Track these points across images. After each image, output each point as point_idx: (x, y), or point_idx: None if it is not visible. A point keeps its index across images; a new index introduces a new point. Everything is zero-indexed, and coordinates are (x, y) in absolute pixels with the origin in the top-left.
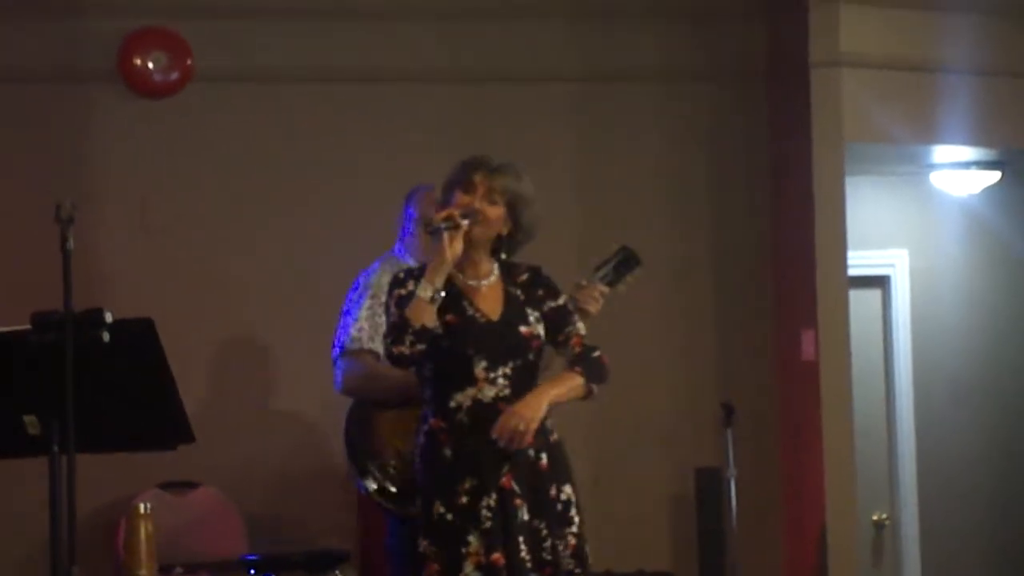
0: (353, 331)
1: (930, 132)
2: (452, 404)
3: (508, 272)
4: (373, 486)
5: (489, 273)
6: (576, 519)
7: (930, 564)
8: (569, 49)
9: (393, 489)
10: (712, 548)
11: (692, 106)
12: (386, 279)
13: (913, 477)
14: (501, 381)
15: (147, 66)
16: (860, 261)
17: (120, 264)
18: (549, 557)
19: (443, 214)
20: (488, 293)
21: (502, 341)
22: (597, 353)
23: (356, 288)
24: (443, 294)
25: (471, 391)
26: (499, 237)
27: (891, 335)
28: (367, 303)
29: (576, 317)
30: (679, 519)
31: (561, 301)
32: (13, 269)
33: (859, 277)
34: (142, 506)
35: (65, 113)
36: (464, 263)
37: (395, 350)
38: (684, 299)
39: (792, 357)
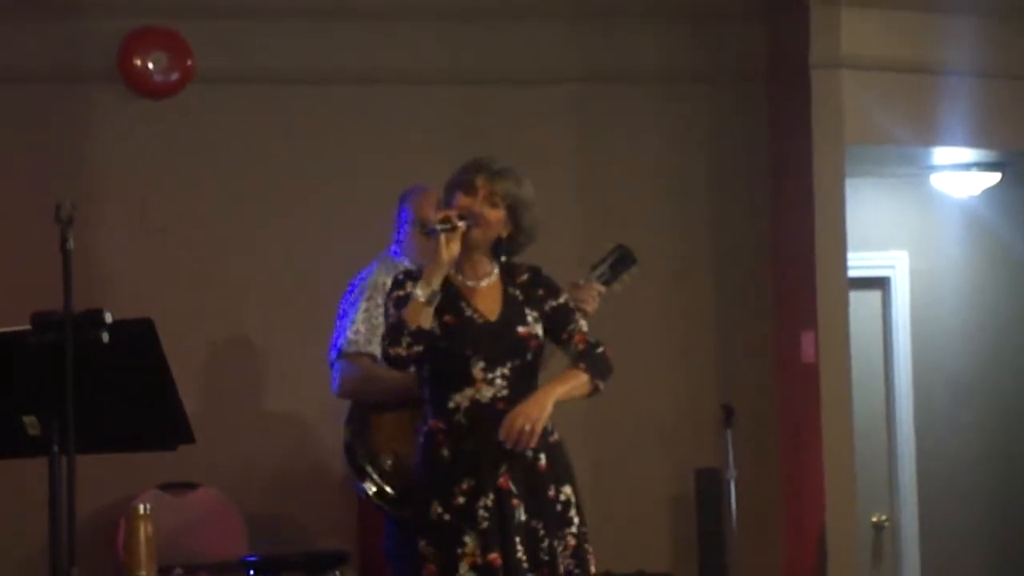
0: (350, 334)
1: (930, 134)
2: (450, 405)
3: (508, 273)
4: (372, 489)
5: (489, 274)
6: (576, 520)
7: (929, 565)
8: (569, 50)
9: (392, 492)
10: (712, 549)
11: (692, 107)
12: (382, 280)
13: (913, 478)
14: (499, 382)
15: (147, 66)
16: (860, 263)
17: (120, 264)
18: (546, 558)
19: (440, 216)
20: (487, 294)
21: (500, 342)
22: (601, 349)
23: (352, 291)
24: (440, 296)
25: (469, 392)
26: (499, 239)
27: (891, 336)
28: (363, 305)
29: (578, 315)
30: (679, 520)
31: (562, 300)
32: (13, 269)
33: (859, 278)
34: (142, 507)
35: (65, 113)
36: (464, 264)
37: (392, 351)
38: (684, 299)
39: (792, 358)
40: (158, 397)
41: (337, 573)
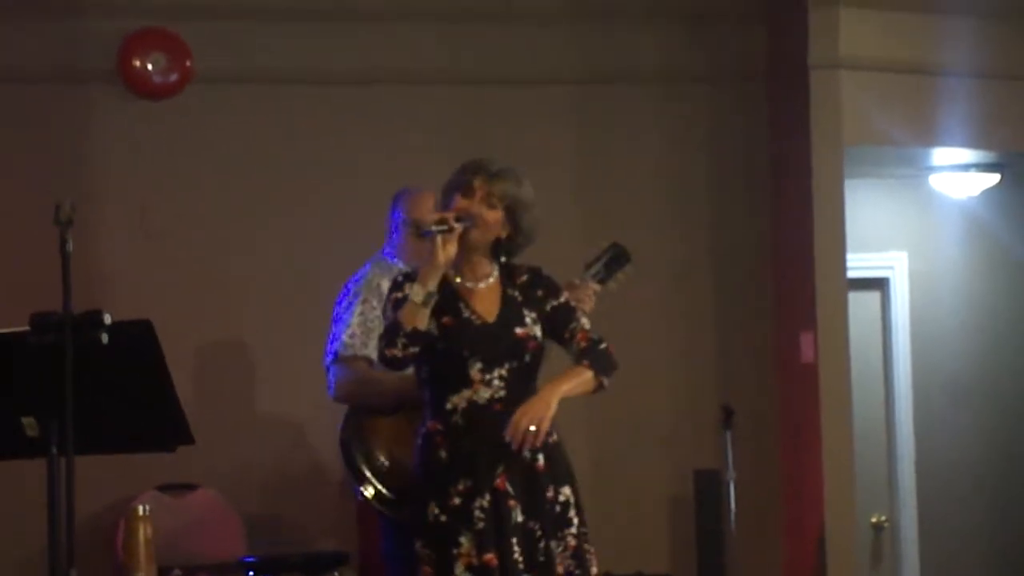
0: (345, 337)
1: (929, 135)
2: (448, 406)
3: (508, 274)
4: (370, 492)
5: (487, 275)
6: (575, 520)
7: (929, 566)
8: (569, 50)
9: (390, 495)
10: (711, 550)
11: (692, 108)
12: (376, 282)
13: (912, 479)
14: (497, 383)
15: (147, 67)
16: (859, 264)
17: (120, 265)
18: (543, 559)
19: (436, 217)
20: (485, 295)
21: (498, 343)
22: (604, 345)
23: (346, 294)
24: (436, 297)
25: (467, 393)
26: (498, 240)
27: (890, 337)
28: (358, 308)
29: (579, 313)
30: (678, 520)
31: (563, 299)
32: (13, 270)
33: (858, 279)
34: (141, 508)
35: (65, 114)
36: (462, 265)
37: (387, 353)
38: (683, 300)
39: (791, 359)
40: (157, 398)
41: (336, 574)
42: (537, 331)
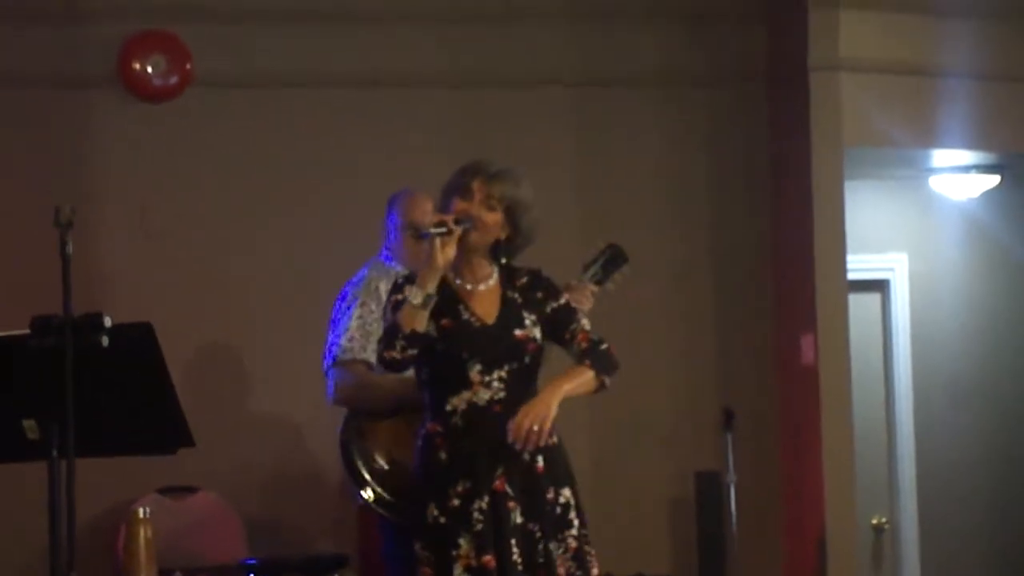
0: (344, 341)
1: (929, 136)
2: (448, 407)
3: (508, 276)
4: (370, 496)
5: (487, 277)
6: (576, 522)
7: (929, 567)
8: (568, 52)
9: (390, 498)
10: (712, 551)
11: (691, 109)
12: (374, 284)
13: (912, 481)
14: (496, 384)
15: (147, 70)
16: (860, 265)
17: (120, 267)
18: (543, 560)
19: (435, 219)
20: (485, 297)
21: (497, 344)
22: (605, 346)
23: (344, 298)
24: (435, 299)
25: (466, 394)
26: (498, 242)
27: (891, 339)
28: (357, 312)
29: (580, 314)
30: (679, 522)
31: (563, 300)
32: (14, 271)
33: (859, 281)
34: (141, 511)
35: (65, 117)
36: (462, 267)
37: (386, 355)
38: (684, 301)
39: (792, 361)
40: (157, 401)
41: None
42: (537, 333)
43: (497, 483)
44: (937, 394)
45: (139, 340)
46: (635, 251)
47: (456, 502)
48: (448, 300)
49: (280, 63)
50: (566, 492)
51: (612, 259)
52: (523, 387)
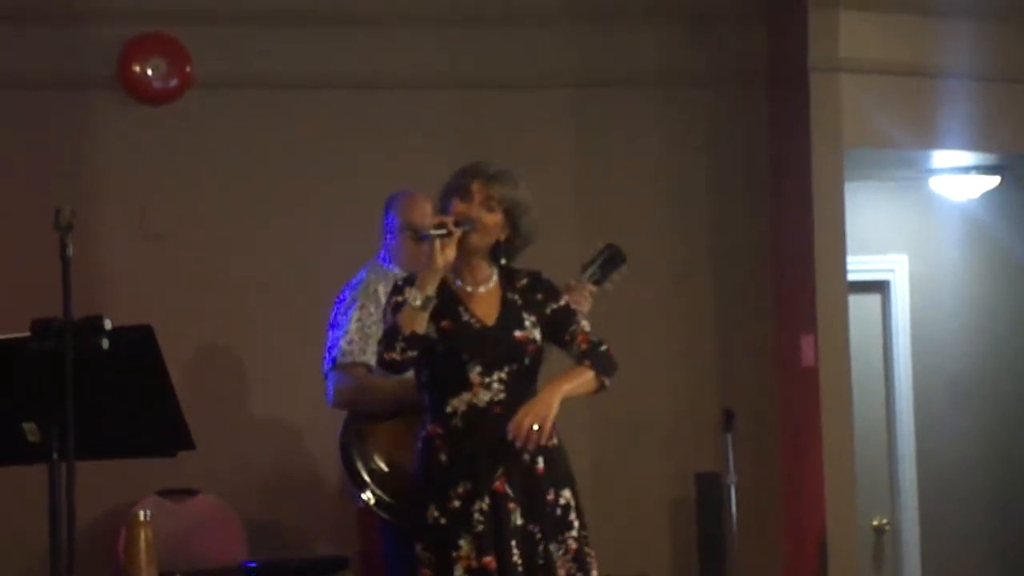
0: (343, 344)
1: (929, 137)
2: (448, 409)
3: (508, 278)
4: (370, 499)
5: (487, 279)
6: (576, 523)
7: (930, 568)
8: (568, 53)
9: (389, 500)
10: (712, 552)
11: (691, 110)
12: (373, 287)
13: (913, 481)
14: (496, 386)
15: (147, 72)
16: (860, 266)
17: (120, 269)
18: (543, 562)
19: (435, 220)
20: (484, 298)
21: (497, 346)
22: (604, 347)
23: (342, 301)
24: (435, 301)
25: (466, 396)
26: (497, 243)
27: (891, 340)
28: (356, 314)
29: (580, 316)
30: (679, 523)
31: (563, 302)
32: (14, 272)
33: (859, 282)
34: (142, 513)
35: (65, 120)
36: (462, 269)
37: (386, 356)
38: (684, 302)
39: (792, 362)
40: (158, 403)
41: None
42: (536, 334)
43: (497, 484)
44: (937, 395)
45: (139, 343)
46: (635, 252)
47: (457, 503)
48: (448, 302)
49: (280, 65)
50: (566, 493)
51: (610, 259)
52: (523, 388)
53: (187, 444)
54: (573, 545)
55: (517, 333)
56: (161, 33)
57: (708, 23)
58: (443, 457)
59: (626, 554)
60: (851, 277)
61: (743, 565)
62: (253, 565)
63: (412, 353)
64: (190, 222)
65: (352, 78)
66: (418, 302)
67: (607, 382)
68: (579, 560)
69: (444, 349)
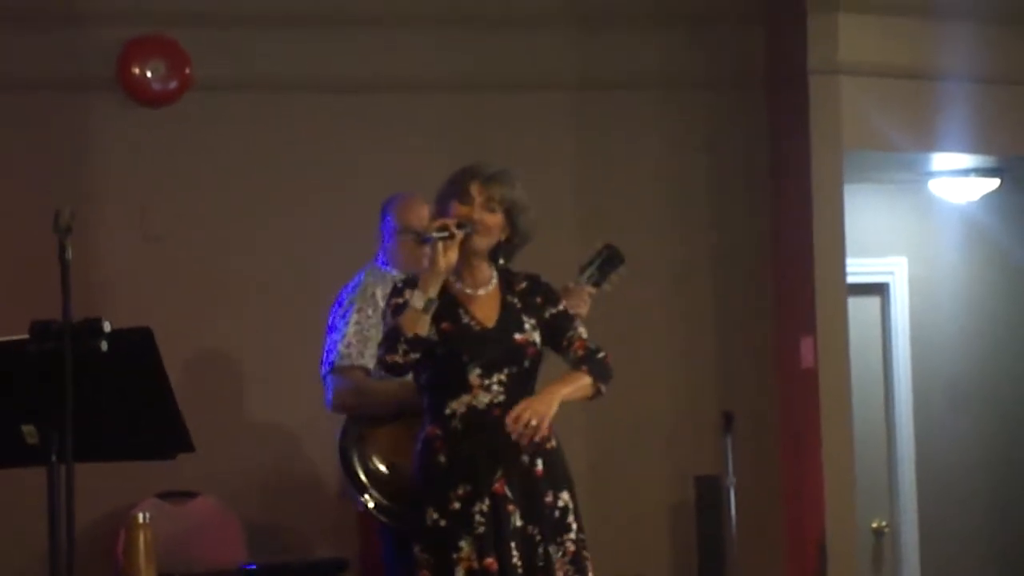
0: (341, 347)
1: (929, 139)
2: (447, 411)
3: (507, 281)
4: (370, 502)
5: (487, 281)
6: (574, 526)
7: (929, 570)
8: (568, 55)
9: (389, 504)
10: (712, 555)
11: (691, 111)
12: (371, 290)
13: (912, 484)
14: (496, 388)
15: (146, 74)
16: (859, 269)
17: (120, 271)
18: (542, 564)
19: (437, 223)
20: (485, 301)
21: (497, 348)
22: (602, 354)
23: (340, 304)
24: (436, 303)
25: (466, 398)
26: (497, 243)
27: (890, 342)
28: (354, 317)
29: (578, 322)
30: (679, 525)
31: (561, 307)
32: (14, 274)
33: (858, 284)
34: (141, 516)
35: (65, 121)
36: (463, 271)
37: (388, 359)
38: (683, 303)
39: (791, 364)
40: (157, 406)
41: None
42: (536, 337)
43: (496, 486)
44: (937, 397)
45: (138, 345)
46: (635, 253)
47: (456, 505)
48: (448, 304)
49: (279, 67)
50: (565, 496)
51: (608, 260)
52: (522, 391)
53: (186, 446)
54: (571, 547)
55: (517, 336)
56: (161, 35)
57: (708, 25)
58: (442, 459)
59: (625, 556)
60: (851, 279)
61: (743, 567)
62: (252, 567)
63: (414, 355)
64: (190, 223)
65: (352, 79)
66: (420, 304)
67: (603, 388)
68: (577, 563)
69: (444, 351)
